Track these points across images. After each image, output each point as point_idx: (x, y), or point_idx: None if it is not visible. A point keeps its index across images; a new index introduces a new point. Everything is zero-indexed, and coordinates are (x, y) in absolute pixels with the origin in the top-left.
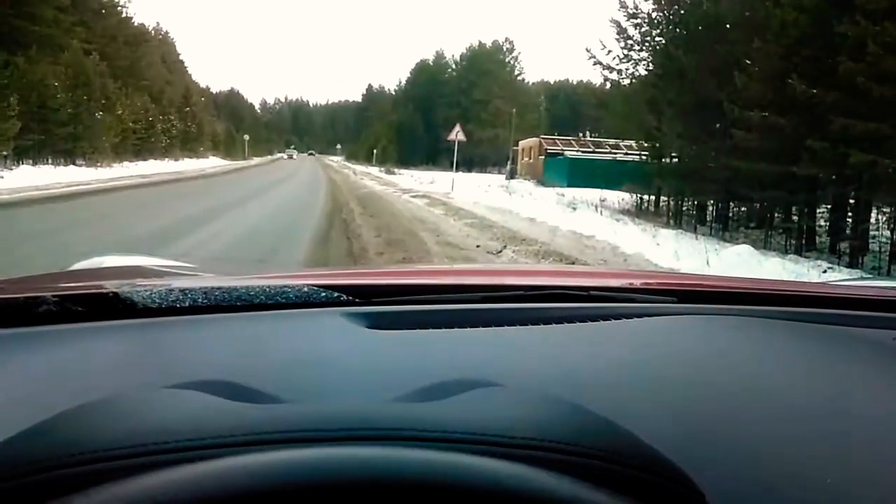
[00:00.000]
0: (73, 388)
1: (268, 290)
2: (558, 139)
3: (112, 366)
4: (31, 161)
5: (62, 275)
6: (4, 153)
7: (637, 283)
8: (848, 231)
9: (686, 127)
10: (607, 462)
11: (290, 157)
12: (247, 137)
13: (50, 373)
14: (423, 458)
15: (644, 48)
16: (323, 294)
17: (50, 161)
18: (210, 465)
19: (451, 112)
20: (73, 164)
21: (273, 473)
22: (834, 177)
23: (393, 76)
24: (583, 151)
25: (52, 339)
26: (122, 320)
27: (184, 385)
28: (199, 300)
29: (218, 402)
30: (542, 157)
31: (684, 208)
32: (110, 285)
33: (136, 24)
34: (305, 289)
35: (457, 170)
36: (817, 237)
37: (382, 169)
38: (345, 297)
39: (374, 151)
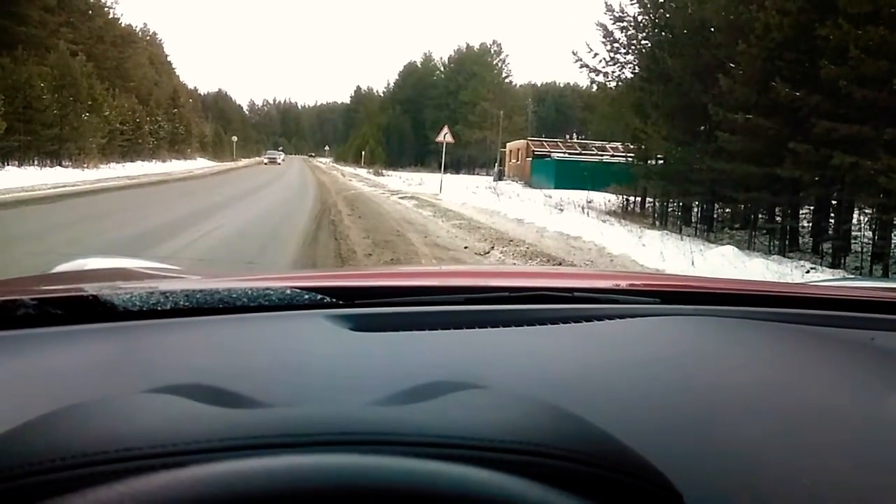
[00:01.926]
0: (51, 392)
1: (250, 292)
2: (545, 141)
3: (91, 370)
4: (16, 162)
5: (44, 277)
6: None
7: (621, 284)
8: (830, 232)
9: (671, 129)
10: (583, 465)
11: (273, 160)
12: (235, 139)
13: (27, 377)
14: (387, 465)
15: (630, 51)
16: (306, 296)
17: (36, 162)
18: (174, 475)
19: (439, 114)
20: (60, 165)
21: (235, 482)
22: (817, 178)
23: (381, 78)
24: (570, 153)
25: (29, 343)
26: (102, 323)
27: (162, 389)
28: (181, 303)
29: (195, 407)
30: (530, 158)
31: (670, 209)
32: (90, 288)
33: (123, 25)
34: (288, 291)
35: (445, 171)
36: (800, 238)
37: (371, 170)
38: (328, 298)
39: (363, 153)
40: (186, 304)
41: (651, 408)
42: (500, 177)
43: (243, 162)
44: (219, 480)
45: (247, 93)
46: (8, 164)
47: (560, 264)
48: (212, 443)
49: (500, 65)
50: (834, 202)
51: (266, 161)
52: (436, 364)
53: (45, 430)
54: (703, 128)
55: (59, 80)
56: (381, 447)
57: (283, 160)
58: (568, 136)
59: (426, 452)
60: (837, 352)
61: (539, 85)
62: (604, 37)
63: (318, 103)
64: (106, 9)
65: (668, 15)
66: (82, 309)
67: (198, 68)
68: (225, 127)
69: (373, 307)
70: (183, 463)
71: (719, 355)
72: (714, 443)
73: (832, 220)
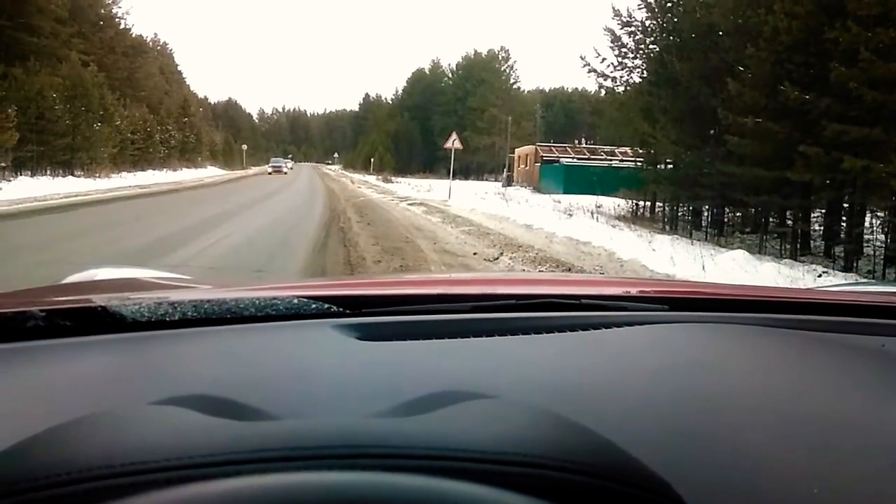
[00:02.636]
0: (59, 404)
1: (258, 302)
2: (554, 146)
3: (99, 381)
4: (29, 172)
5: (54, 288)
6: (3, 164)
7: (630, 291)
8: (842, 235)
9: (680, 133)
10: (587, 476)
11: (277, 170)
12: (245, 147)
13: (35, 389)
14: (383, 483)
15: (638, 56)
16: (313, 305)
17: (48, 172)
18: (181, 492)
19: (447, 120)
20: (72, 174)
21: (245, 500)
22: (828, 181)
23: (390, 85)
24: (578, 158)
25: (38, 355)
26: (110, 335)
27: (169, 401)
28: (189, 313)
29: (203, 419)
30: (538, 164)
31: (679, 214)
32: (99, 299)
33: (134, 35)
34: (295, 301)
35: (454, 177)
36: (812, 241)
37: (380, 177)
38: (335, 308)
39: (372, 160)
40: (194, 314)
41: (658, 416)
42: (508, 182)
43: (253, 170)
44: (226, 498)
45: (256, 101)
46: (21, 174)
47: (569, 270)
48: (218, 457)
49: (508, 71)
50: (846, 205)
51: (270, 170)
52: (443, 373)
53: (51, 443)
54: (712, 132)
55: (70, 90)
56: (386, 460)
57: (292, 168)
58: (577, 141)
59: (430, 466)
60: (847, 358)
61: (547, 90)
62: (612, 42)
63: (327, 111)
64: (117, 19)
65: (675, 19)
66: (91, 320)
67: (208, 78)
68: (235, 135)
69: (380, 316)
70: (189, 477)
71: (728, 363)
72: (721, 452)
73: (844, 224)
